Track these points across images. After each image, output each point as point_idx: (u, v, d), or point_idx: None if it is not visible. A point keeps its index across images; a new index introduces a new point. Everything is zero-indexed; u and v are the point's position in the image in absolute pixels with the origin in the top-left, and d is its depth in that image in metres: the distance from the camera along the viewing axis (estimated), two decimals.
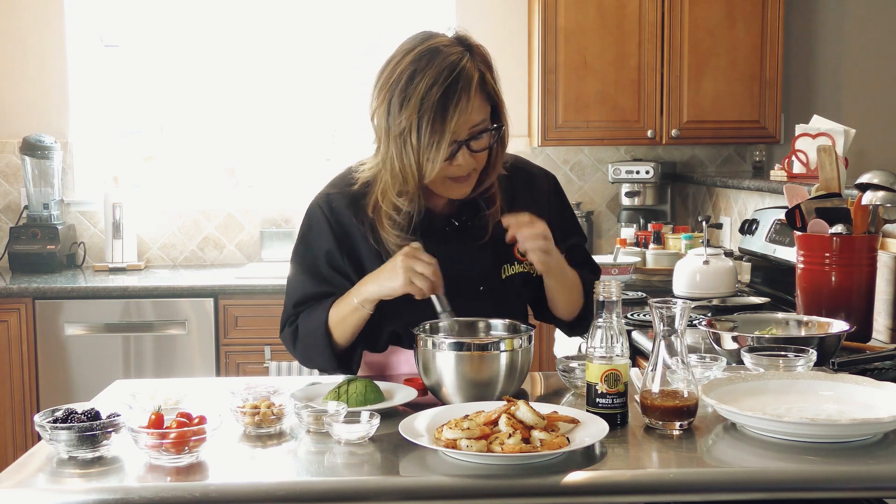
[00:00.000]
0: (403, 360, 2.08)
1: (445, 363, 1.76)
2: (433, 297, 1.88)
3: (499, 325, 1.93)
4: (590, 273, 2.15)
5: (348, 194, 2.02)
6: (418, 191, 1.91)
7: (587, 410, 1.66)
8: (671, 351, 1.65)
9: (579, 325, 2.12)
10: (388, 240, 1.96)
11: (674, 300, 1.67)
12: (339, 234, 2.01)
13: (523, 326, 1.89)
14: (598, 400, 1.66)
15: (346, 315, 1.96)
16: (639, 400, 1.67)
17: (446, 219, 2.02)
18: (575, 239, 2.17)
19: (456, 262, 1.97)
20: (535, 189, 2.11)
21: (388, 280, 1.87)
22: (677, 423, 1.62)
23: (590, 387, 1.67)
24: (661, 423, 1.63)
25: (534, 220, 1.91)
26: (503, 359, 1.77)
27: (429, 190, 1.96)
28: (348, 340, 1.99)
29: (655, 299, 1.68)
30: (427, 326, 1.88)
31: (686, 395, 1.63)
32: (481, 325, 1.94)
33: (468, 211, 2.02)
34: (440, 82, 1.80)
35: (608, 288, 1.68)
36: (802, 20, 4.55)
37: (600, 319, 1.67)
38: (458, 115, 1.81)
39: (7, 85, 4.44)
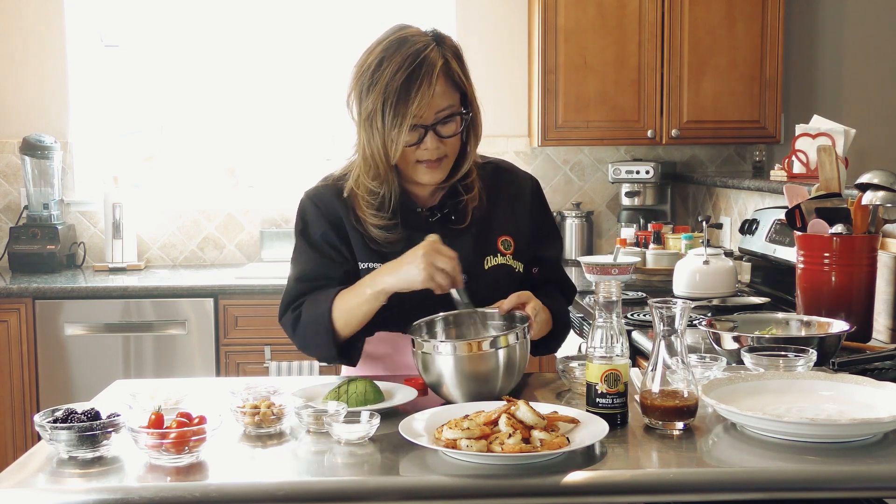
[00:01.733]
0: (398, 351, 2.08)
1: (444, 361, 1.77)
2: (453, 292, 1.89)
3: (495, 315, 1.93)
4: (562, 298, 2.18)
5: (333, 186, 2.09)
6: (389, 173, 1.97)
7: (587, 410, 1.66)
8: (671, 351, 1.65)
9: (544, 347, 2.10)
10: (366, 221, 2.01)
11: (674, 300, 1.67)
12: (331, 221, 2.06)
13: (518, 315, 1.89)
14: (598, 400, 1.66)
15: (356, 305, 1.95)
16: (639, 400, 1.67)
17: (429, 210, 2.06)
18: (552, 252, 2.19)
19: None
20: (516, 188, 2.16)
21: (408, 273, 1.88)
22: (677, 423, 1.62)
23: (590, 387, 1.67)
24: (661, 423, 1.63)
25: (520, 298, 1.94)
26: (501, 354, 1.77)
27: (409, 177, 2.02)
28: (353, 330, 1.98)
29: (655, 299, 1.68)
30: (424, 325, 1.88)
31: (686, 395, 1.63)
32: (477, 316, 1.94)
33: (449, 200, 2.06)
34: (404, 68, 1.89)
35: (608, 288, 1.67)
36: (802, 20, 4.55)
37: (600, 319, 1.67)
38: (420, 98, 1.88)
39: (7, 85, 4.44)
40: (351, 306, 1.95)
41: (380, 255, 2.01)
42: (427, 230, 2.02)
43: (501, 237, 2.09)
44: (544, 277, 2.16)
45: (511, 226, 2.11)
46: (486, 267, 2.06)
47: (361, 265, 2.04)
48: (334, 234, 2.04)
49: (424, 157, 1.95)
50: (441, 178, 2.00)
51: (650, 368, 1.66)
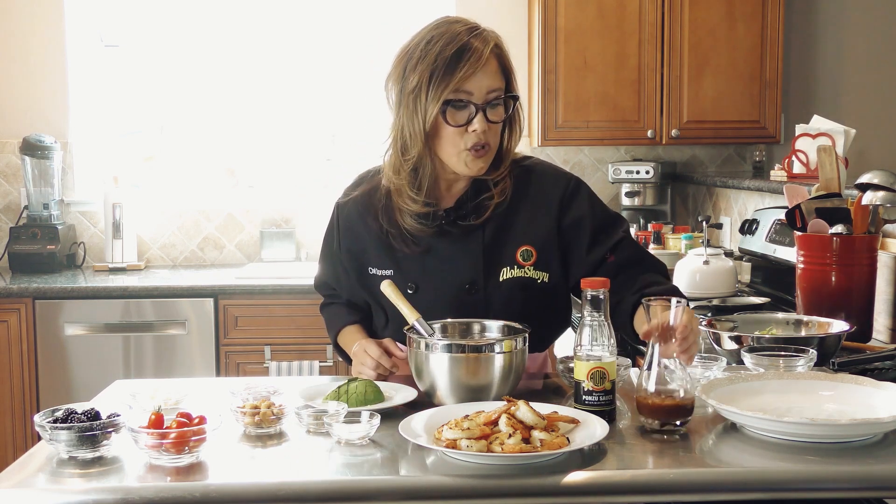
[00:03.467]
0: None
1: (439, 366, 1.75)
2: (416, 324, 1.85)
3: (493, 326, 1.92)
4: (659, 277, 2.02)
5: (362, 193, 2.11)
6: (424, 150, 1.94)
7: (574, 407, 1.66)
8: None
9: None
10: (403, 209, 2.01)
11: (670, 300, 1.67)
12: (348, 240, 2.12)
13: (518, 327, 1.88)
14: (584, 397, 1.66)
15: (349, 350, 2.11)
16: (636, 399, 1.67)
17: (447, 213, 2.02)
18: (616, 234, 2.05)
19: (446, 261, 2.02)
20: (544, 195, 2.06)
21: (353, 368, 2.04)
22: (674, 422, 1.62)
23: (577, 384, 1.67)
24: (657, 422, 1.63)
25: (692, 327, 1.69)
26: (498, 361, 1.75)
27: (447, 167, 1.99)
28: None
29: (651, 298, 1.68)
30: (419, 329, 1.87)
31: (682, 395, 1.63)
32: (476, 327, 1.93)
33: (471, 198, 2.02)
34: (455, 41, 1.90)
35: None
36: (802, 20, 4.55)
37: (588, 317, 1.67)
38: (468, 66, 1.89)
39: (7, 85, 4.44)
40: (347, 349, 2.13)
41: (394, 262, 2.05)
42: (440, 236, 2.02)
43: (521, 247, 2.02)
44: (624, 258, 2.03)
45: (532, 235, 2.03)
46: (501, 279, 2.02)
47: (372, 270, 2.08)
48: (345, 254, 2.12)
49: (472, 141, 1.93)
50: (483, 168, 1.98)
51: (646, 367, 1.65)
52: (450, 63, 1.88)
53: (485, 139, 1.93)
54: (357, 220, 2.09)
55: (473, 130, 1.91)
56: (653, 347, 1.65)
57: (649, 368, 1.64)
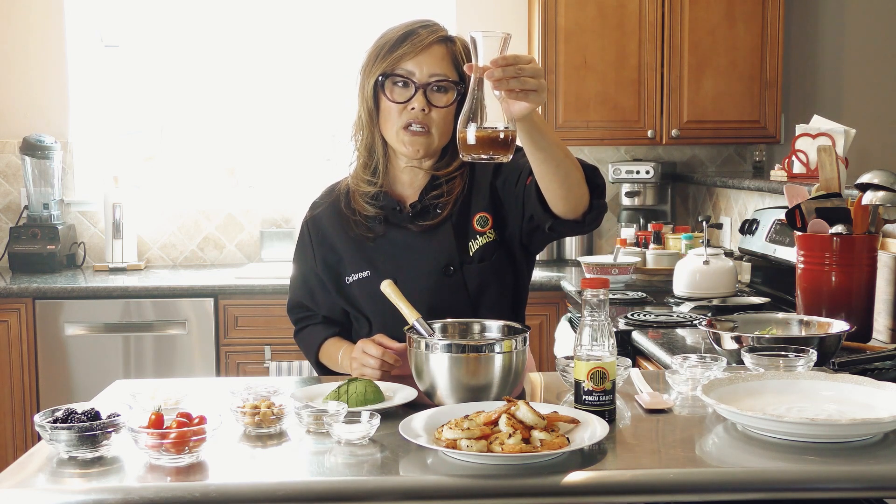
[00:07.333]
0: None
1: (439, 366, 1.75)
2: (416, 324, 1.86)
3: (493, 326, 1.92)
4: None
5: (328, 204, 2.17)
6: (375, 127, 2.03)
7: (575, 407, 1.66)
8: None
9: (592, 221, 1.93)
10: (359, 206, 2.09)
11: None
12: (322, 251, 2.15)
13: (518, 326, 1.88)
14: (584, 397, 1.66)
15: (334, 362, 2.14)
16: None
17: (410, 205, 2.09)
18: (524, 160, 1.99)
19: (420, 250, 2.07)
20: (485, 165, 2.09)
21: (351, 369, 2.02)
22: (485, 154, 1.58)
23: (577, 384, 1.67)
24: (469, 156, 1.60)
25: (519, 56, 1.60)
26: (498, 361, 1.75)
27: (395, 177, 2.09)
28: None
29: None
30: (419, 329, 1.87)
31: (497, 127, 1.58)
32: (476, 326, 1.94)
33: (430, 192, 2.09)
34: (404, 28, 2.01)
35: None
36: (802, 20, 4.55)
37: (588, 317, 1.67)
38: (409, 46, 1.97)
39: (7, 85, 4.44)
40: (331, 360, 2.16)
41: (369, 262, 2.09)
42: (408, 228, 2.08)
43: (476, 215, 2.08)
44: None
45: (484, 201, 2.09)
46: (472, 252, 2.07)
47: (349, 279, 2.12)
48: (320, 266, 2.15)
49: (409, 117, 1.98)
50: (420, 150, 2.01)
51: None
52: (394, 44, 1.99)
53: (423, 120, 1.98)
54: (328, 229, 2.14)
55: (412, 108, 1.97)
56: (474, 81, 1.59)
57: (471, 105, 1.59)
